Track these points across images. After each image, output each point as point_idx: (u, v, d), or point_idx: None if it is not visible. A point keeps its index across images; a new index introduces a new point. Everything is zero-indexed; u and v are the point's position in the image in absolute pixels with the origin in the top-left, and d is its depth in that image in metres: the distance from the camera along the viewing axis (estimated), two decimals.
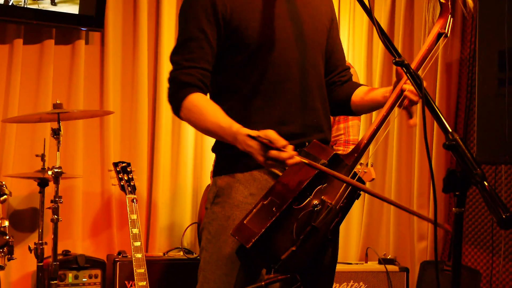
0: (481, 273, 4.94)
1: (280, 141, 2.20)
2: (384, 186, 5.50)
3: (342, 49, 2.79)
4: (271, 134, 2.21)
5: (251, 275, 2.43)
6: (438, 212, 4.40)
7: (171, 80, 2.50)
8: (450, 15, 2.40)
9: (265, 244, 2.26)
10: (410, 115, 2.42)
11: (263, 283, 2.31)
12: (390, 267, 4.81)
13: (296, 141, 2.38)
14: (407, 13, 5.37)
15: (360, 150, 2.38)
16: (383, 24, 5.44)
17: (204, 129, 2.46)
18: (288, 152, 2.20)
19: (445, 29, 2.39)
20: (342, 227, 5.60)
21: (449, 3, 2.40)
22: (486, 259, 5.02)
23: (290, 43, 2.52)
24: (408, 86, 2.37)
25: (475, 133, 4.68)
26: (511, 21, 4.49)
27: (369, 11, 2.25)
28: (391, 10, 5.51)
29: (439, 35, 2.40)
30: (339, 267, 4.72)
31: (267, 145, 2.20)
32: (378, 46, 5.57)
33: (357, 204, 5.62)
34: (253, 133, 2.23)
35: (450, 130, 1.87)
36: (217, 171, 2.58)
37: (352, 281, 4.75)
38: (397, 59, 2.13)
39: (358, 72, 5.66)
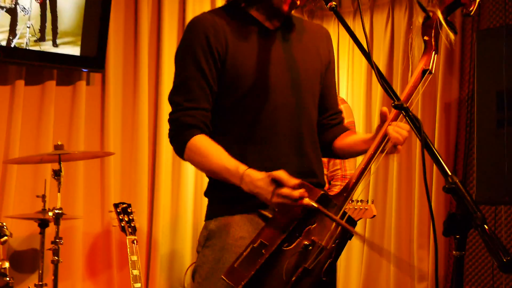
0: None
1: (292, 180, 2.21)
2: (384, 225, 5.50)
3: (335, 92, 2.79)
4: (282, 173, 2.22)
5: None
6: (438, 253, 4.41)
7: (173, 121, 2.50)
8: (434, 52, 2.41)
9: (255, 286, 2.25)
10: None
11: None
12: None
13: None
14: (405, 53, 5.41)
15: (349, 189, 2.36)
16: (382, 64, 5.48)
17: (209, 170, 2.47)
18: (300, 191, 2.21)
19: (429, 65, 2.40)
20: (342, 268, 5.63)
21: (432, 40, 2.41)
22: None
23: (283, 89, 2.52)
24: (391, 128, 2.36)
25: (475, 173, 4.69)
26: (509, 62, 4.53)
27: (368, 55, 2.27)
28: (390, 50, 5.55)
29: (423, 72, 2.41)
30: None
31: (278, 183, 2.22)
32: (377, 87, 5.59)
33: (357, 244, 5.62)
34: (265, 174, 2.24)
35: (450, 174, 1.88)
36: (208, 215, 2.59)
37: None
38: (396, 103, 2.14)
39: (358, 112, 5.70)
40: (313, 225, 2.31)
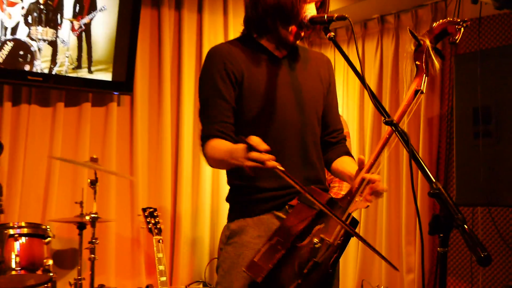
0: None
1: (262, 145, 2.16)
2: (376, 225, 5.49)
3: (337, 111, 2.78)
4: (254, 138, 2.17)
5: None
6: (424, 249, 4.40)
7: (200, 136, 2.52)
8: (424, 75, 2.41)
9: (273, 278, 2.26)
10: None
11: None
12: None
13: (295, 190, 2.38)
14: (393, 75, 5.41)
15: (352, 194, 2.36)
16: (372, 85, 5.48)
17: (217, 159, 2.45)
18: (268, 155, 2.16)
19: (421, 86, 2.41)
20: (340, 261, 5.60)
21: (423, 65, 2.40)
22: None
23: (290, 108, 2.53)
24: (369, 177, 2.32)
25: (454, 179, 4.67)
26: (483, 82, 4.52)
27: (361, 77, 2.28)
28: (379, 72, 5.56)
29: (416, 92, 2.41)
30: None
31: (250, 148, 2.17)
32: (369, 105, 5.60)
33: (353, 241, 5.61)
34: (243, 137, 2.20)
35: (434, 181, 1.89)
36: (230, 217, 2.59)
37: None
38: (386, 119, 2.14)
39: (352, 127, 5.70)
40: (322, 225, 2.33)
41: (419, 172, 2.06)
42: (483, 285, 4.88)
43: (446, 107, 5.14)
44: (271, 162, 2.17)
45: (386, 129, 2.34)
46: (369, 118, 5.60)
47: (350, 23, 2.34)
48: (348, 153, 2.72)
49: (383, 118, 2.15)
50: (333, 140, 2.72)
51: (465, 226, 1.78)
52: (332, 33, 2.36)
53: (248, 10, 2.57)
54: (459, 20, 2.39)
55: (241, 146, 2.22)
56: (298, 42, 2.60)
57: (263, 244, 2.33)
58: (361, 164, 2.35)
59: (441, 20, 2.43)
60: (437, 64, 2.41)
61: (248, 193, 2.47)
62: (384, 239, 5.34)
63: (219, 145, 2.44)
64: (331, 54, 6.08)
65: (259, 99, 2.50)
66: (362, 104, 5.74)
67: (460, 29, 2.37)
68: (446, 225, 1.83)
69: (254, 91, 2.50)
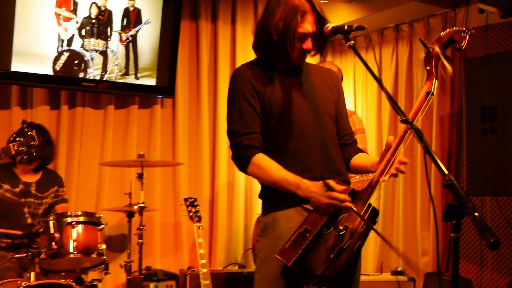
0: (472, 282, 4.84)
1: (340, 186, 2.28)
2: (393, 213, 5.44)
3: (347, 118, 2.79)
4: (332, 182, 2.29)
5: None
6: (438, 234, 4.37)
7: (236, 145, 2.52)
8: (435, 78, 2.41)
9: (302, 262, 2.27)
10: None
11: None
12: (400, 278, 4.72)
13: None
14: (408, 78, 5.37)
15: (372, 186, 2.36)
16: (389, 88, 5.44)
17: (270, 181, 2.48)
18: (345, 195, 2.28)
19: (431, 89, 2.40)
20: None
21: (433, 69, 2.41)
22: (476, 270, 4.92)
23: (307, 113, 2.56)
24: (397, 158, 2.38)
25: (465, 171, 4.63)
26: (490, 84, 4.48)
27: (379, 81, 2.27)
28: (395, 76, 5.51)
29: (427, 94, 2.40)
30: (360, 278, 4.69)
31: (330, 188, 2.28)
32: (386, 106, 5.56)
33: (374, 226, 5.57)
34: (321, 183, 2.32)
35: (447, 173, 1.87)
36: (263, 212, 2.61)
37: None
38: (402, 118, 2.13)
39: (371, 126, 5.66)
40: (345, 214, 2.34)
41: (432, 165, 2.05)
42: (492, 267, 4.82)
43: (456, 107, 5.09)
44: (347, 202, 2.27)
45: (401, 127, 2.33)
46: (386, 117, 5.55)
47: (368, 32, 2.33)
48: (362, 151, 2.73)
49: (399, 117, 2.14)
50: (346, 142, 2.73)
51: (475, 213, 1.76)
52: (352, 41, 2.36)
53: (262, 39, 2.59)
54: (464, 29, 2.41)
55: (316, 184, 2.33)
56: (310, 57, 2.64)
57: (293, 233, 2.34)
58: (388, 145, 2.37)
59: (448, 29, 2.45)
60: (449, 67, 2.40)
61: (272, 190, 2.49)
62: (401, 226, 5.31)
63: (272, 167, 2.46)
64: (351, 60, 6.05)
65: (280, 109, 2.53)
66: (380, 104, 5.70)
67: (466, 36, 2.38)
68: (458, 212, 1.82)
69: (275, 103, 2.53)
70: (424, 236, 5.11)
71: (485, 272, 4.85)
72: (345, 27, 2.38)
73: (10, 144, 3.51)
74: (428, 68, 2.42)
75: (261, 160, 2.47)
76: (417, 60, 2.51)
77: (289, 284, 2.40)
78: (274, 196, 2.51)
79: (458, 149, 5.04)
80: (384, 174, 2.36)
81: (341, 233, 2.30)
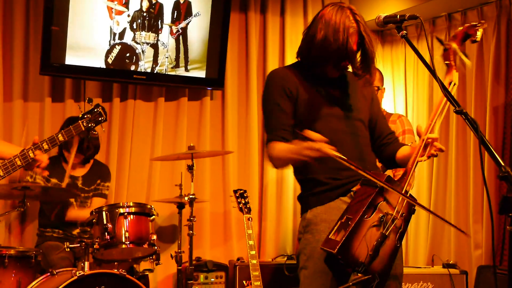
0: None
1: (316, 135, 2.33)
2: (445, 205, 5.34)
3: (384, 120, 2.84)
4: (309, 131, 2.34)
5: (341, 283, 2.42)
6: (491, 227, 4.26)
7: (269, 140, 2.64)
8: (454, 70, 2.53)
9: (347, 249, 2.28)
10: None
11: (350, 283, 2.32)
12: (452, 271, 4.66)
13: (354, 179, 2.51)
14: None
15: (408, 174, 2.42)
16: (441, 76, 5.32)
17: (281, 158, 2.59)
18: (319, 143, 2.31)
19: (452, 79, 2.52)
20: (412, 238, 5.51)
21: (452, 62, 2.53)
22: None
23: (339, 117, 2.64)
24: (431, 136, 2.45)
25: None
26: None
27: (432, 71, 2.24)
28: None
29: (449, 84, 2.51)
30: (411, 270, 4.66)
31: (306, 139, 2.33)
32: (438, 95, 5.45)
33: (424, 218, 5.49)
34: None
35: (503, 164, 1.83)
36: (303, 209, 2.68)
37: (421, 282, 4.62)
38: (457, 109, 2.11)
39: (421, 117, 5.57)
40: (384, 201, 2.38)
41: (485, 156, 2.02)
42: None
43: (511, 96, 4.96)
44: (326, 147, 2.30)
45: (454, 117, 2.30)
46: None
47: (421, 21, 2.32)
48: (405, 145, 2.76)
49: (454, 108, 2.11)
50: (389, 141, 2.78)
51: None
52: (404, 31, 2.37)
53: (303, 50, 2.66)
54: (476, 23, 2.53)
55: (300, 143, 2.37)
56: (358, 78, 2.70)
57: (335, 224, 2.37)
58: (419, 134, 2.46)
59: (460, 27, 2.57)
60: (467, 62, 2.53)
61: (309, 188, 2.62)
62: (453, 218, 5.21)
63: (281, 146, 2.56)
64: (402, 49, 5.95)
65: (311, 113, 2.60)
66: (431, 95, 5.60)
67: (478, 29, 2.50)
68: None
69: (307, 106, 2.60)
70: (477, 229, 5.01)
71: None
72: (397, 16, 2.38)
73: (79, 121, 3.61)
74: (447, 62, 2.53)
75: (274, 144, 2.58)
76: (438, 57, 2.61)
77: (336, 276, 2.42)
78: (312, 192, 2.61)
79: None
80: (420, 155, 2.43)
81: (382, 219, 2.34)
